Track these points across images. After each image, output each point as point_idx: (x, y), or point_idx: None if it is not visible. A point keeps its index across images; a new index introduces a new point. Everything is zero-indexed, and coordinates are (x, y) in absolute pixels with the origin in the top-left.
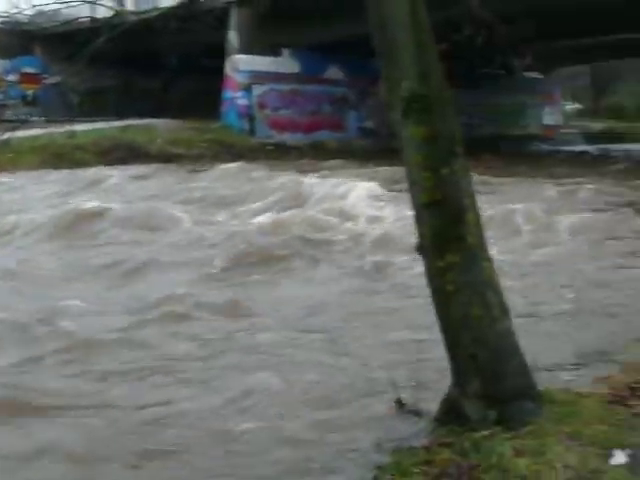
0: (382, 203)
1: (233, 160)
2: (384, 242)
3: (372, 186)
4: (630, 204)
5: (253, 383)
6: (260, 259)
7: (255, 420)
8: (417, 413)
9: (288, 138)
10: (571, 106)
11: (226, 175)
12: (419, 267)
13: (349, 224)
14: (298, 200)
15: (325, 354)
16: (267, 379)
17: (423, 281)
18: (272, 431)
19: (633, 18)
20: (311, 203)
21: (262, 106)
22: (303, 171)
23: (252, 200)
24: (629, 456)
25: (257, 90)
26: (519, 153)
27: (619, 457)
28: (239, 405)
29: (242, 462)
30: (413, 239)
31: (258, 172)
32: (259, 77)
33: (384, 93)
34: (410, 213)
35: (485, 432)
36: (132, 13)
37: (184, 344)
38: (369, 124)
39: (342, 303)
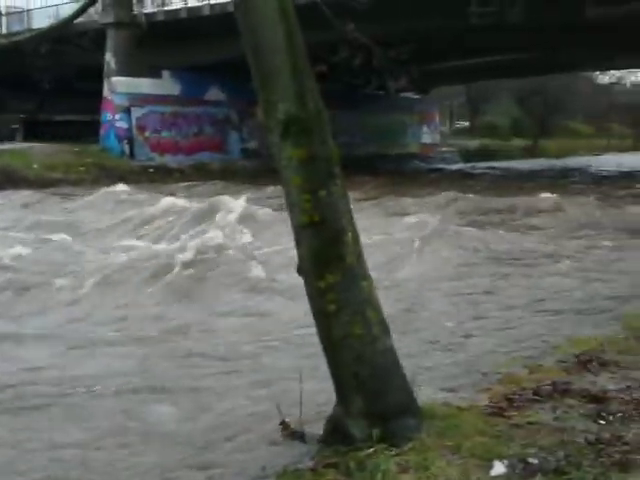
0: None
1: (114, 184)
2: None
3: (233, 214)
4: (489, 224)
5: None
6: None
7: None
8: (302, 435)
9: (169, 160)
10: (461, 124)
11: (90, 202)
12: None
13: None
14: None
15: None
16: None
17: None
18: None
19: (505, 41)
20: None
21: (142, 128)
22: (174, 195)
23: (105, 231)
24: (507, 466)
25: (136, 112)
26: (397, 172)
27: (498, 468)
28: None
29: None
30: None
31: (125, 196)
32: (138, 99)
33: (261, 116)
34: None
35: (369, 450)
36: (1, 35)
37: None
38: (251, 145)
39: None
